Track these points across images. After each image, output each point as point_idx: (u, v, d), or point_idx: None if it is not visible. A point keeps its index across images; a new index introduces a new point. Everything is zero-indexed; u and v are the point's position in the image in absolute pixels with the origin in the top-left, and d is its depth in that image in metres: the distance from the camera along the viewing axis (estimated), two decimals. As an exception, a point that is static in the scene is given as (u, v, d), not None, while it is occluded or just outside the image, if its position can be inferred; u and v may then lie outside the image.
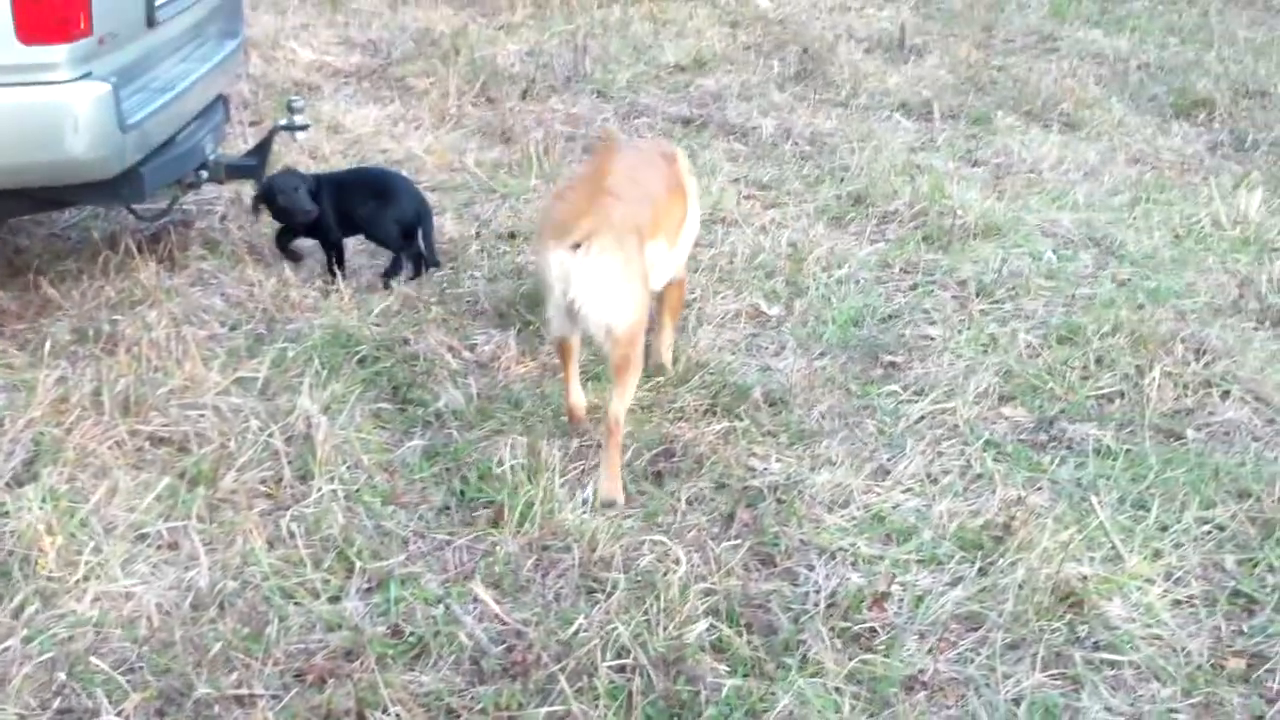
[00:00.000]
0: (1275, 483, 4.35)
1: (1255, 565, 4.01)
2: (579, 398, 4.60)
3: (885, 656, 3.55)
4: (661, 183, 4.73)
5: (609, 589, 3.76)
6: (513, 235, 6.26)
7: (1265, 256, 6.27)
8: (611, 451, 4.25)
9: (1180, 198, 7.12)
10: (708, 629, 3.61)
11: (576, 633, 3.55)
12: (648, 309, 4.42)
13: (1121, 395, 4.99)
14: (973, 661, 3.56)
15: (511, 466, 4.26)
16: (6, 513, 3.89)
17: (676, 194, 4.81)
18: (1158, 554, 4.05)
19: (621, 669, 3.44)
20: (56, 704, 3.26)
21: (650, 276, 4.43)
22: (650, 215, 4.47)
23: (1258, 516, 4.20)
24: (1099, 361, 5.19)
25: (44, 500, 3.91)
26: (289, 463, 4.25)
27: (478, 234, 6.26)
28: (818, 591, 3.81)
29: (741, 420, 4.71)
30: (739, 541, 4.03)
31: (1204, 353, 5.22)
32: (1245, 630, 3.74)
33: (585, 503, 4.18)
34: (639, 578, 3.82)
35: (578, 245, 4.05)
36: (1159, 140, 8.13)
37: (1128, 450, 4.60)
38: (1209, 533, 4.16)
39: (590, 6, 10.89)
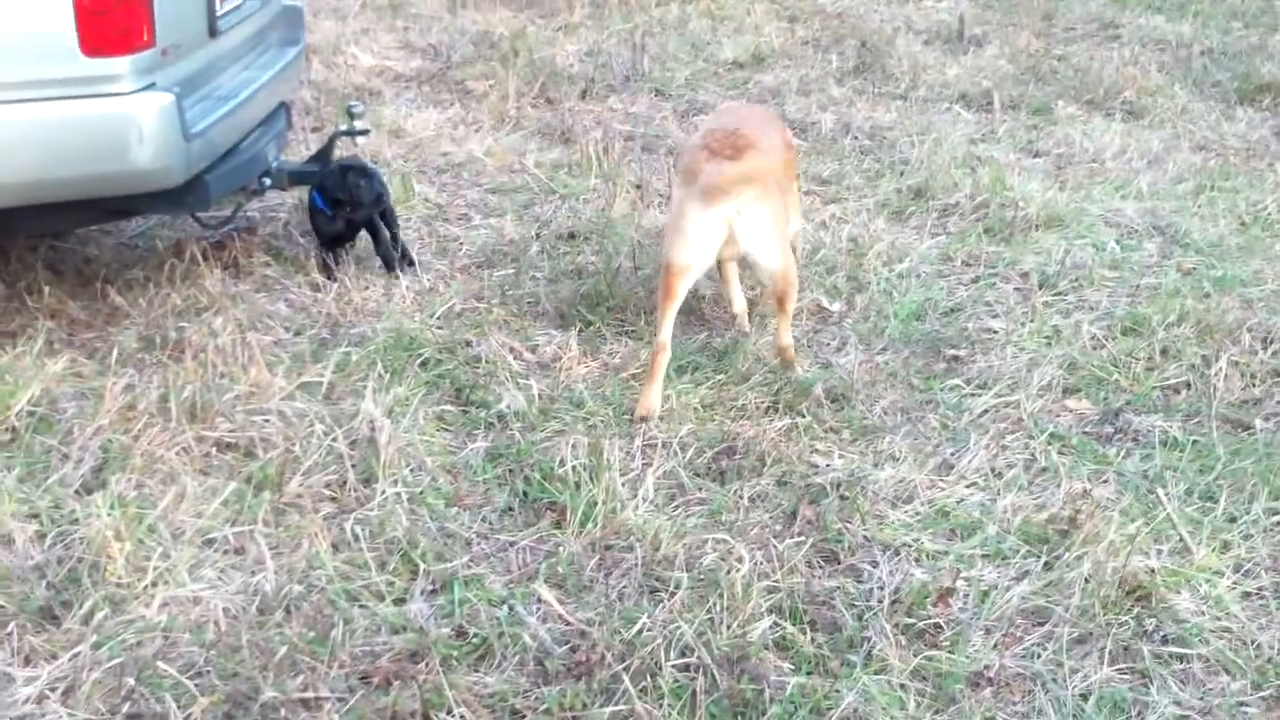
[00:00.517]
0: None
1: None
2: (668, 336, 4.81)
3: (950, 653, 3.54)
4: (779, 138, 5.20)
5: (672, 588, 3.77)
6: (573, 236, 6.28)
7: (1334, 242, 6.19)
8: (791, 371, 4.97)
9: (1246, 184, 7.03)
10: (771, 627, 3.61)
11: (640, 632, 3.56)
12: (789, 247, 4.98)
13: (1188, 386, 4.94)
14: (1039, 657, 3.55)
15: (574, 467, 4.27)
16: (76, 520, 3.95)
17: (790, 150, 5.30)
18: (1226, 546, 4.00)
19: (685, 668, 3.44)
20: (126, 709, 3.30)
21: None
22: (780, 167, 4.96)
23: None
24: (1164, 352, 5.14)
25: (112, 507, 3.97)
26: (353, 466, 4.28)
27: (538, 235, 6.29)
28: (881, 588, 3.80)
29: (803, 417, 4.71)
30: (802, 539, 4.03)
31: (1271, 341, 5.16)
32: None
33: (646, 500, 4.19)
34: (702, 576, 3.82)
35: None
36: (1223, 126, 8.03)
37: (1194, 441, 4.56)
38: (1279, 523, 4.11)
39: (648, 5, 10.90)
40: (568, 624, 3.65)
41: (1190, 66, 9.27)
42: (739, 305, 5.47)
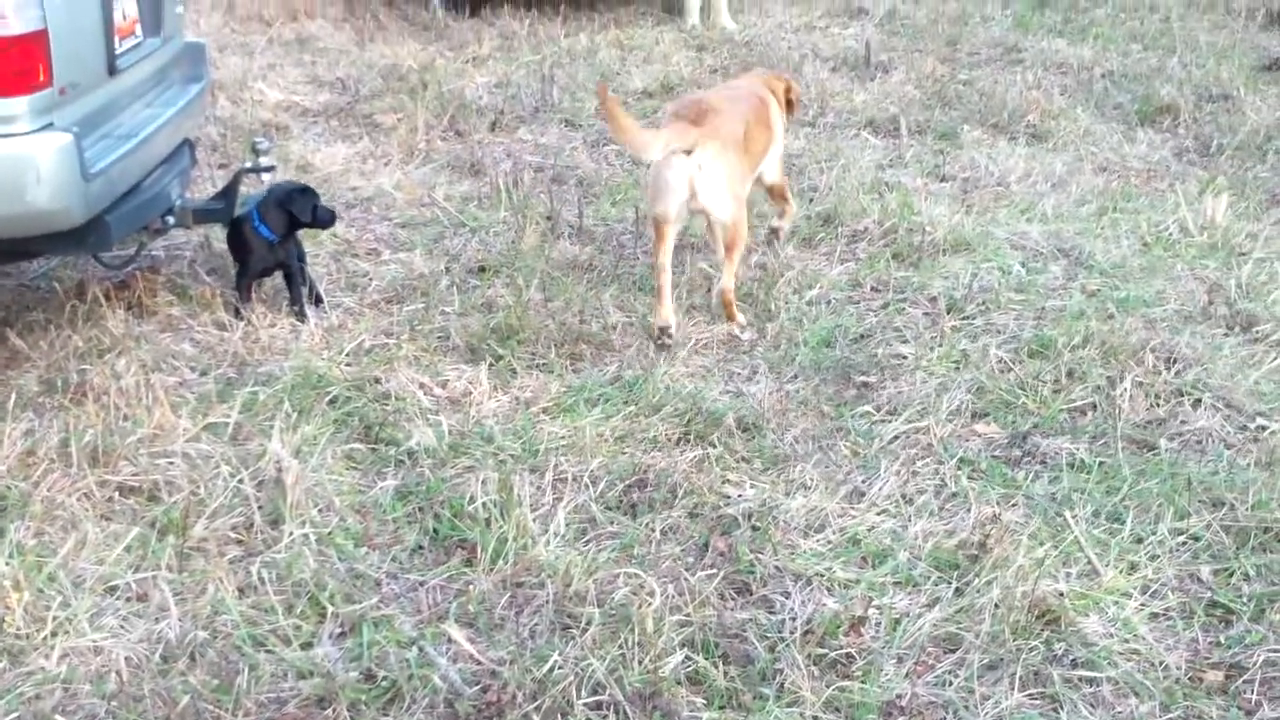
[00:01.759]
0: (1248, 490, 4.35)
1: (1231, 575, 4.01)
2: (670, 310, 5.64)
3: (863, 682, 3.54)
4: (752, 111, 5.94)
5: (584, 624, 3.74)
6: (483, 269, 6.25)
7: (1233, 261, 6.29)
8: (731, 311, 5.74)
9: (1148, 205, 7.15)
10: (683, 661, 3.59)
11: (551, 670, 3.52)
12: (743, 203, 5.72)
13: (1094, 407, 4.99)
14: (951, 684, 3.55)
15: (484, 503, 4.24)
16: (-27, 571, 3.86)
17: (763, 123, 6.05)
18: (1134, 567, 4.04)
19: (597, 706, 3.41)
20: (26, 764, 3.24)
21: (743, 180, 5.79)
22: (743, 132, 5.72)
23: (1232, 525, 4.20)
24: (1070, 374, 5.19)
25: (10, 556, 3.88)
26: (259, 508, 4.22)
27: (448, 269, 6.25)
28: (794, 619, 3.80)
29: (715, 447, 4.71)
30: (714, 570, 4.02)
31: (1174, 361, 5.23)
32: (1223, 641, 3.73)
33: (557, 536, 4.16)
34: (613, 612, 3.79)
35: (690, 152, 5.40)
36: (1125, 148, 8.17)
37: (1101, 463, 4.61)
38: (1184, 544, 4.16)
39: (557, 36, 10.93)
40: (478, 664, 3.61)
41: (1092, 90, 9.43)
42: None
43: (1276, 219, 6.94)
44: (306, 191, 5.74)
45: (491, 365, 5.30)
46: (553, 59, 10.04)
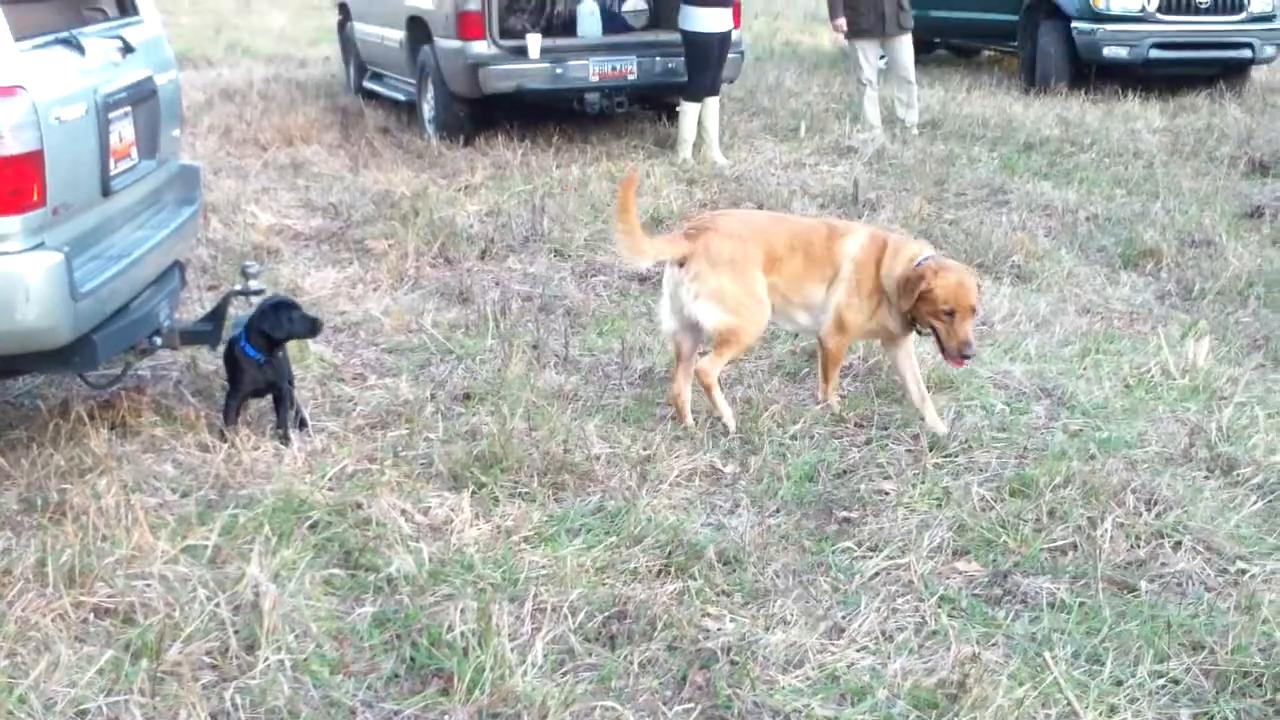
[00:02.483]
0: (1228, 634, 4.33)
1: (1210, 719, 3.99)
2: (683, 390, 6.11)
3: (839, 822, 3.50)
4: (799, 238, 6.14)
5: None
6: (468, 396, 6.28)
7: (1214, 405, 6.32)
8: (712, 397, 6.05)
9: (1130, 347, 7.20)
10: (659, 798, 3.56)
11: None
12: (744, 316, 5.95)
13: (1074, 547, 4.98)
14: (928, 825, 3.52)
15: (462, 632, 4.22)
16: (-57, 692, 3.83)
17: (814, 257, 6.10)
18: (1113, 710, 4.01)
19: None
20: None
21: (756, 297, 5.98)
22: (761, 255, 5.98)
23: (1211, 669, 4.18)
24: (1051, 514, 5.19)
25: (-18, 677, 3.85)
26: (235, 633, 4.20)
27: (433, 395, 6.28)
28: (771, 756, 3.77)
29: (695, 580, 4.69)
30: (691, 705, 3.99)
31: (1155, 503, 5.23)
32: (1202, 787, 3.71)
33: (535, 667, 4.13)
34: (586, 746, 3.77)
35: (681, 264, 5.89)
36: (1108, 290, 8.24)
37: (1081, 603, 4.59)
38: (1163, 687, 4.13)
39: (549, 167, 11.08)
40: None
41: (1076, 232, 9.54)
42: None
43: (1257, 363, 6.98)
44: (281, 306, 5.70)
45: (474, 493, 5.30)
46: (544, 189, 10.17)
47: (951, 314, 5.69)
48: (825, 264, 6.07)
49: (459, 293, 7.85)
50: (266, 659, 4.08)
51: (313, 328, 5.78)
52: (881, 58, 13.46)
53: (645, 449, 5.72)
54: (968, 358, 5.83)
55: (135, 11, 6.03)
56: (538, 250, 8.83)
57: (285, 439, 5.67)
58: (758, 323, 6.00)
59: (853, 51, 13.46)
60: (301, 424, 5.84)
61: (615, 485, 5.45)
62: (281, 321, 5.63)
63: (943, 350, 5.86)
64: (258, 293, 6.01)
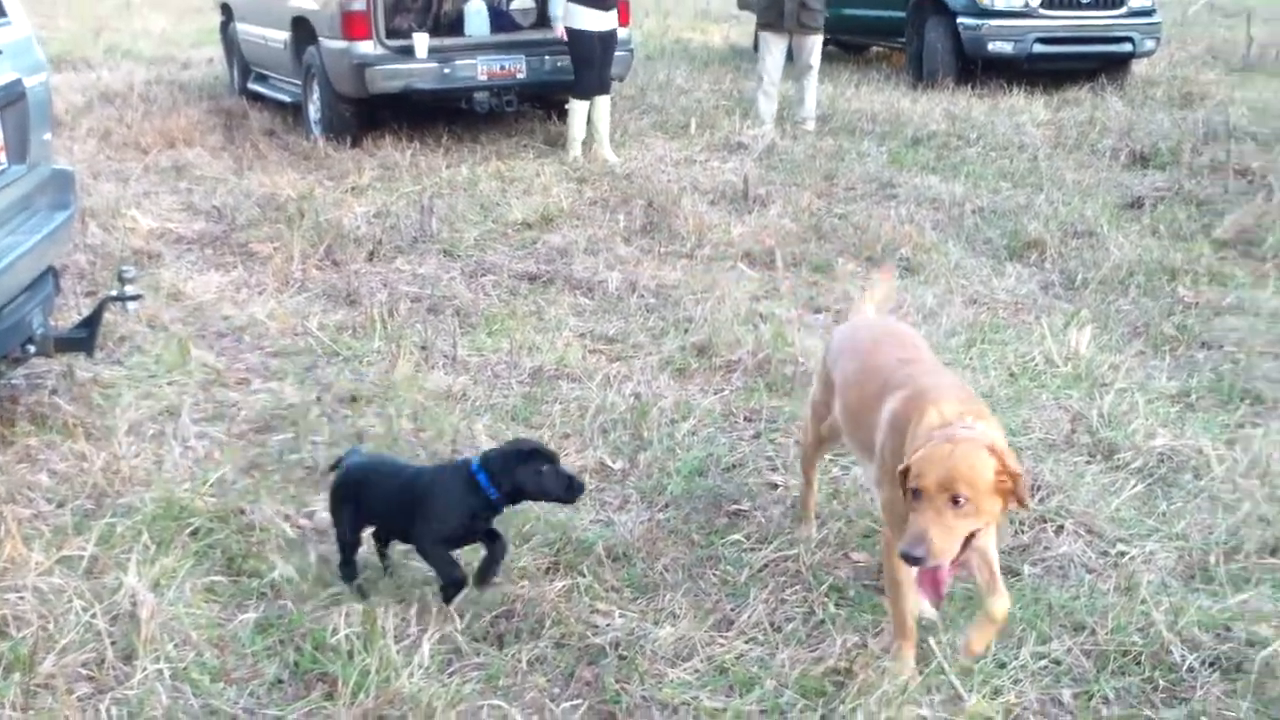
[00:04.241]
0: (1108, 615, 4.39)
1: (1091, 698, 4.04)
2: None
3: (726, 813, 3.50)
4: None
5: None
6: (354, 399, 6.20)
7: (1096, 392, 6.41)
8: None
9: (1015, 337, 7.28)
10: (546, 795, 3.54)
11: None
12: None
13: (960, 534, 5.01)
14: (815, 813, 3.53)
15: (347, 635, 4.16)
16: None
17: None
18: (997, 691, 4.05)
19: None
20: None
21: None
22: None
23: (1092, 649, 4.24)
24: (938, 501, 5.22)
25: None
26: (112, 643, 4.10)
27: (319, 398, 6.20)
28: (659, 749, 3.76)
29: (584, 576, 4.67)
30: (579, 700, 3.97)
31: (1039, 488, 5.30)
32: (1084, 765, 3.76)
33: (421, 668, 4.09)
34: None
35: None
36: (994, 281, 8.33)
37: (966, 589, 4.63)
38: (1046, 667, 4.18)
39: (438, 167, 11.00)
40: (335, 802, 3.52)
41: (963, 224, 9.64)
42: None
43: (1137, 350, 7.09)
44: (539, 455, 4.42)
45: (360, 495, 5.23)
46: (433, 189, 10.10)
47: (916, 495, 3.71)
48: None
49: (346, 295, 7.76)
50: (144, 669, 4.00)
51: (570, 490, 4.43)
52: (789, 55, 13.50)
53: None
54: (913, 561, 3.64)
55: (3, 14, 5.89)
56: (427, 251, 8.76)
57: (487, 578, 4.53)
58: None
59: (760, 45, 13.55)
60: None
61: (504, 484, 5.40)
62: (536, 474, 4.37)
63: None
64: (135, 298, 5.90)
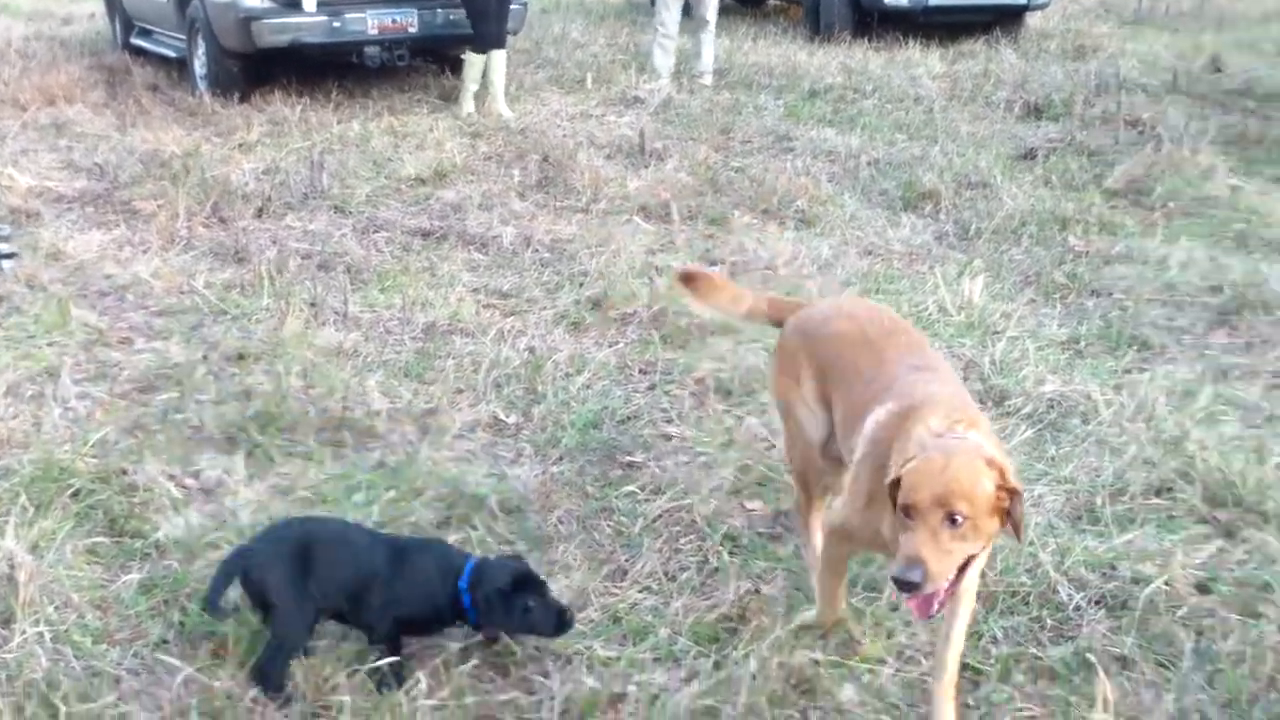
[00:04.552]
0: (997, 557, 4.41)
1: (980, 638, 4.06)
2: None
3: (621, 761, 3.49)
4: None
5: (335, 713, 3.61)
6: (242, 356, 6.08)
7: (988, 340, 6.45)
8: None
9: (909, 286, 7.31)
10: (438, 747, 3.50)
11: (298, 763, 3.40)
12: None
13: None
14: (708, 758, 3.52)
15: (235, 595, 4.08)
16: None
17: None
18: (890, 633, 4.07)
19: (346, 798, 3.30)
20: None
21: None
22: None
23: (981, 591, 4.24)
24: (832, 449, 5.24)
25: None
26: (-11, 609, 4.00)
27: (205, 357, 6.07)
28: (552, 699, 3.73)
29: (477, 529, 4.63)
30: (474, 658, 3.92)
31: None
32: (971, 703, 3.78)
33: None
34: (367, 700, 3.67)
35: None
36: (889, 232, 8.36)
37: (861, 534, 4.64)
38: (938, 610, 4.20)
39: (329, 123, 10.82)
40: (223, 761, 3.46)
41: (858, 176, 9.66)
42: None
43: (1029, 299, 7.15)
44: (530, 585, 3.92)
45: (249, 454, 5.14)
46: (323, 145, 9.93)
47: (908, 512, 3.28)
48: None
49: (234, 252, 7.61)
50: (24, 632, 3.89)
51: (560, 627, 3.93)
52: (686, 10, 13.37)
53: (427, 403, 5.64)
54: (906, 588, 3.23)
55: None
56: (317, 207, 8.61)
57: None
58: None
59: None
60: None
61: (396, 440, 5.34)
62: (525, 611, 3.87)
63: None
64: (9, 256, 5.72)
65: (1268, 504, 4.83)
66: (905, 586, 3.21)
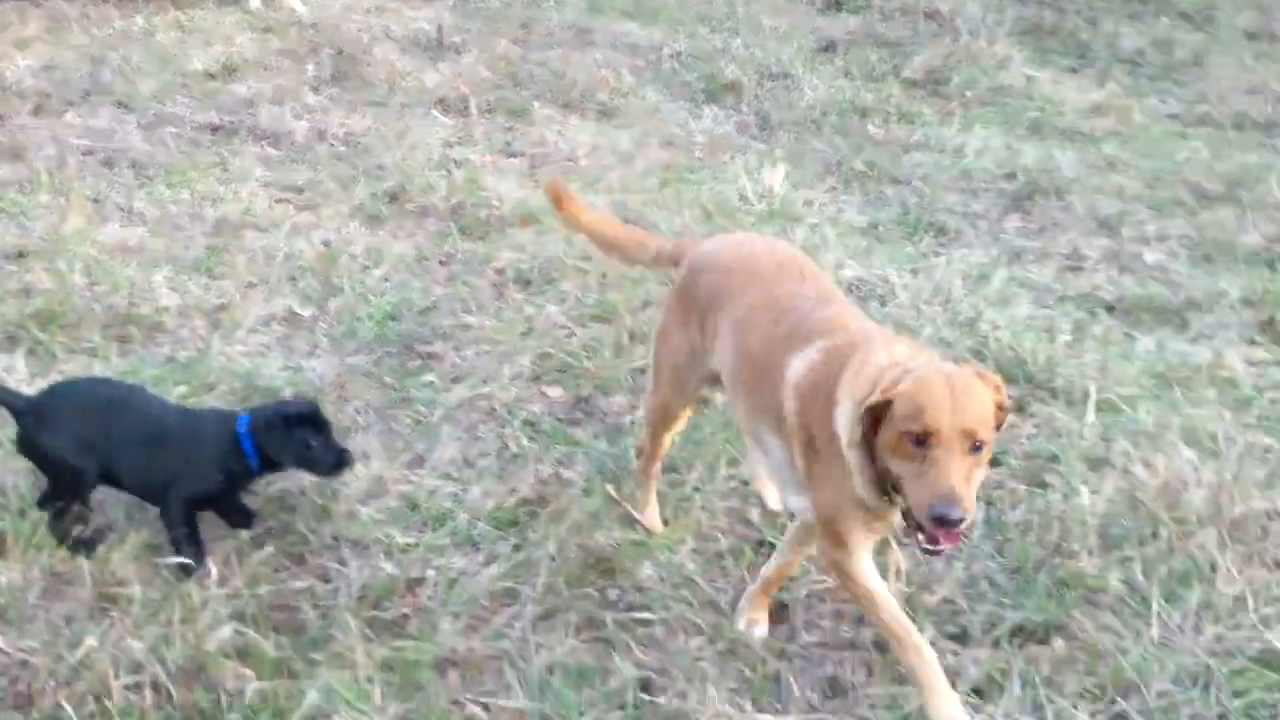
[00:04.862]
0: (794, 434, 4.50)
1: (778, 516, 4.14)
2: None
3: (418, 640, 3.49)
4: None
5: (125, 606, 3.54)
6: (21, 254, 5.83)
7: (789, 226, 6.52)
8: None
9: (710, 177, 7.34)
10: (233, 635, 3.45)
11: (87, 654, 3.32)
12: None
13: (652, 366, 5.06)
14: (507, 637, 3.55)
15: (17, 493, 3.95)
16: None
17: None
18: (688, 511, 4.13)
19: (138, 686, 3.24)
20: None
21: None
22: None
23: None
24: (632, 336, 5.26)
25: None
26: None
27: (-20, 256, 5.83)
28: (349, 585, 3.71)
29: (272, 422, 4.55)
30: (270, 548, 3.86)
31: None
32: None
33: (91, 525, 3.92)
34: (157, 593, 3.60)
35: None
36: (691, 124, 8.37)
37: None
38: (735, 489, 4.28)
39: (111, 18, 10.37)
40: (7, 655, 3.37)
41: (660, 69, 9.62)
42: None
43: (829, 186, 7.25)
44: (307, 420, 3.93)
45: (30, 351, 4.96)
46: (106, 41, 9.53)
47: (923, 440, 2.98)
48: None
49: (10, 151, 7.25)
50: None
51: (339, 465, 3.95)
52: None
53: (219, 297, 5.51)
54: (946, 524, 2.95)
55: None
56: (100, 104, 8.25)
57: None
58: None
59: None
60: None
61: (186, 335, 5.22)
62: (305, 446, 3.89)
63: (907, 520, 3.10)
64: None
65: (1056, 380, 5.01)
66: (946, 524, 2.92)
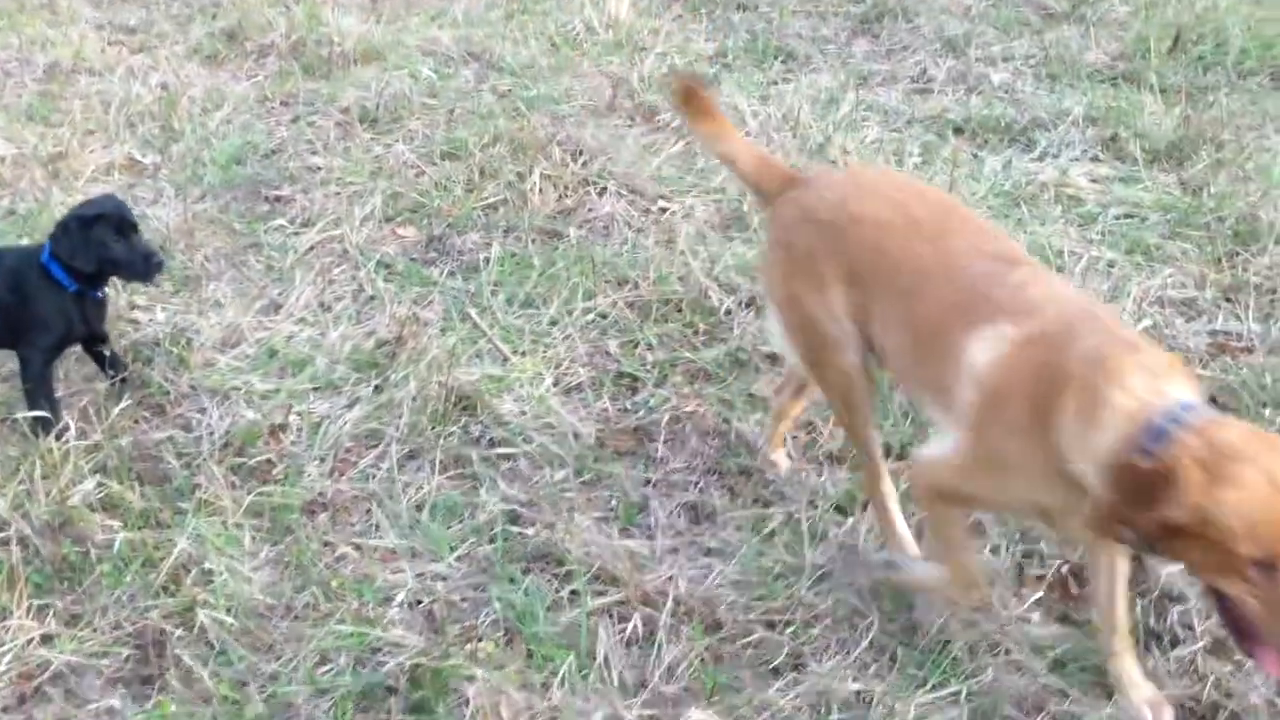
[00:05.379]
0: (649, 267, 4.55)
1: (636, 346, 4.21)
2: None
3: (284, 485, 3.51)
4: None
5: (-19, 467, 3.51)
6: None
7: (636, 57, 6.48)
8: None
9: (555, 7, 7.23)
10: (96, 488, 3.43)
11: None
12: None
13: (505, 203, 5.05)
14: (374, 477, 3.59)
15: None
16: None
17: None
18: (548, 346, 4.17)
19: (4, 542, 3.22)
20: None
21: None
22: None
23: (636, 301, 4.40)
24: (483, 173, 5.23)
25: None
26: None
27: None
28: (211, 434, 3.71)
29: (118, 275, 4.48)
30: (129, 400, 3.83)
31: (580, 154, 5.35)
32: (630, 407, 3.93)
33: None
34: (16, 450, 3.57)
35: None
36: (532, -46, 8.22)
37: (514, 255, 4.70)
38: (593, 321, 4.33)
39: None
40: None
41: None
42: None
43: (676, 15, 7.20)
44: (107, 218, 3.72)
45: None
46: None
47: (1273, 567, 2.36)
48: None
49: None
50: None
51: (148, 266, 3.75)
52: None
53: (55, 146, 5.35)
54: None
55: None
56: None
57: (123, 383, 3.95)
58: None
59: None
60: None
61: (25, 186, 5.08)
62: (103, 247, 3.69)
63: (1240, 635, 2.49)
64: None
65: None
66: None
